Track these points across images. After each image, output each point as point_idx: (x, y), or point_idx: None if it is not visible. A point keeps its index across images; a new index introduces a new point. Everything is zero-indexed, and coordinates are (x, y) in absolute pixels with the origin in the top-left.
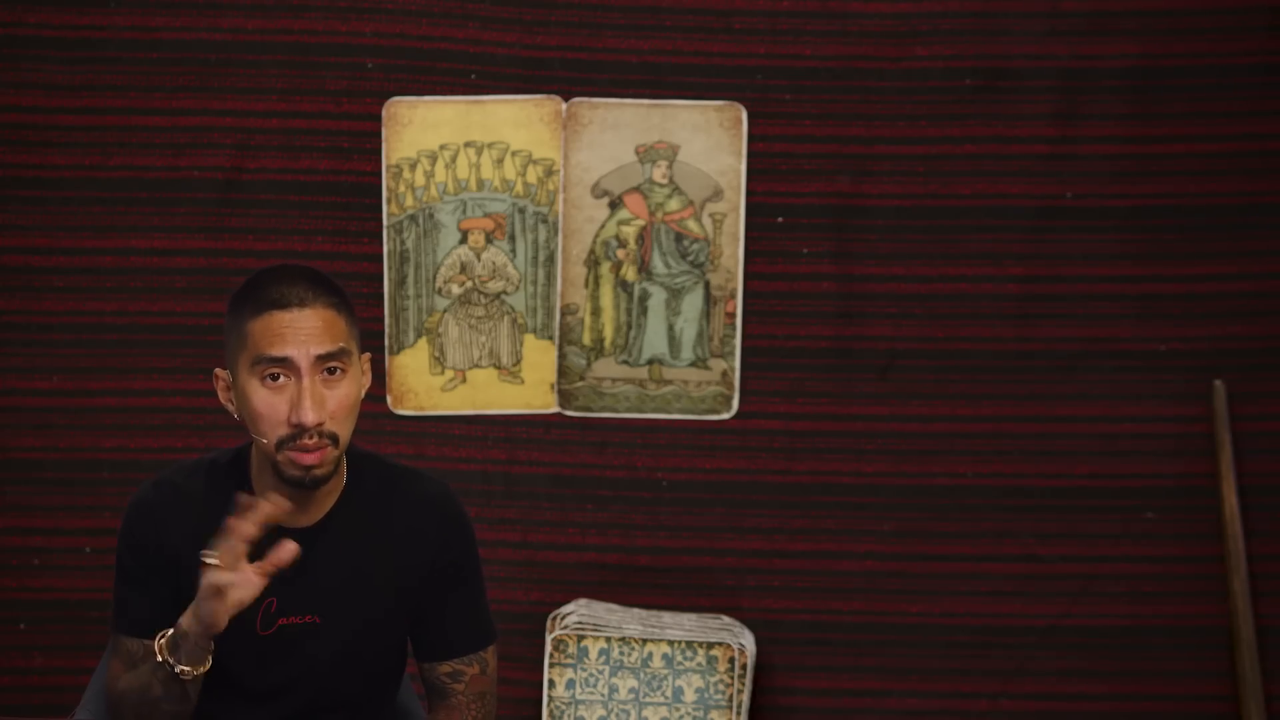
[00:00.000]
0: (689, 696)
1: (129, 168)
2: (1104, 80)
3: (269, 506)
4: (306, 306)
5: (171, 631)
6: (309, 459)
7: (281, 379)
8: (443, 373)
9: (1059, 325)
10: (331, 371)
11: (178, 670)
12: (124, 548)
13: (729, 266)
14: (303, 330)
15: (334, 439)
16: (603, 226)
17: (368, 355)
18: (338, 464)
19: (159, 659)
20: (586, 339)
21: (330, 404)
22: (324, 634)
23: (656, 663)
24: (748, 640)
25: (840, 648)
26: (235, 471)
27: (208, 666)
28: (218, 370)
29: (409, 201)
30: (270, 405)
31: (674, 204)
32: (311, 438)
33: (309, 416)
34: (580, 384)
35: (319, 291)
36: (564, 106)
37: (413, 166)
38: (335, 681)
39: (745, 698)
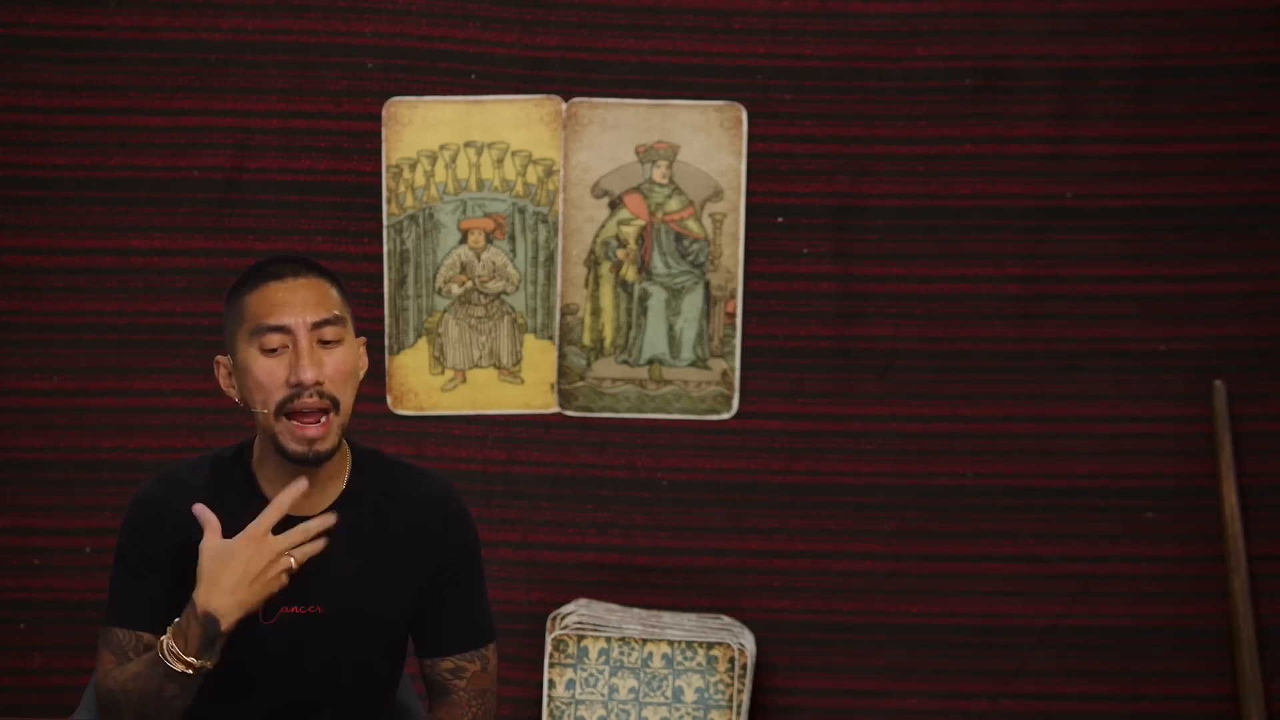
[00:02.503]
0: (689, 696)
1: (129, 168)
2: (1104, 80)
3: (295, 488)
4: (300, 276)
5: (179, 625)
6: (311, 430)
7: (279, 348)
8: (443, 373)
9: (1059, 325)
10: (327, 339)
11: (197, 666)
12: (125, 539)
13: (729, 266)
14: (298, 298)
15: (334, 403)
16: (603, 226)
17: (364, 340)
18: (339, 440)
19: (173, 665)
20: (586, 339)
21: (328, 367)
22: (326, 624)
23: (656, 663)
24: (748, 640)
25: (840, 648)
26: (238, 464)
27: (219, 660)
28: (218, 357)
29: (409, 201)
30: (269, 372)
31: (674, 204)
32: (311, 397)
33: (307, 374)
34: (580, 384)
35: (312, 267)
36: (564, 106)
37: (413, 166)
38: (335, 674)
39: (745, 698)
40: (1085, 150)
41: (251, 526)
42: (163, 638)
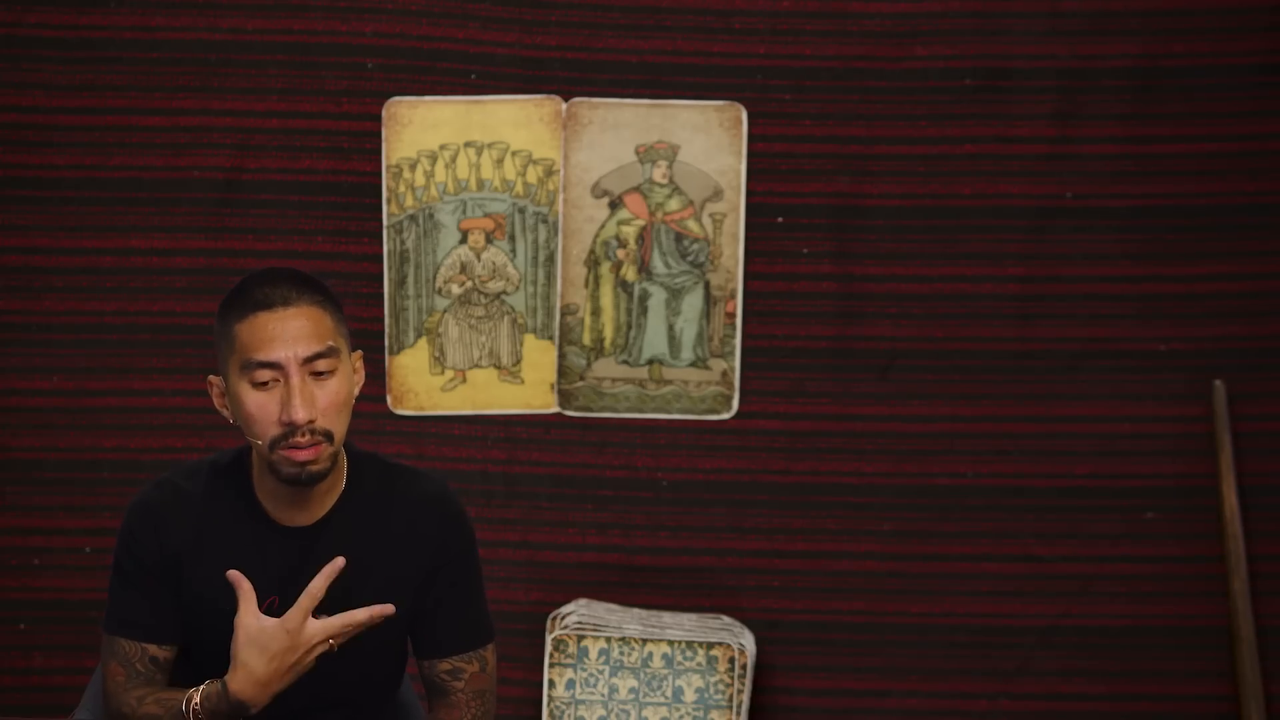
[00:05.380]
0: (689, 696)
1: (129, 168)
2: (1104, 80)
3: (332, 568)
4: (291, 305)
5: (208, 694)
6: (303, 455)
7: (271, 381)
8: (443, 373)
9: (1059, 325)
10: (320, 371)
11: None
12: (123, 550)
13: (729, 266)
14: (289, 332)
15: (327, 436)
16: (603, 226)
17: (360, 353)
18: (334, 461)
19: None
20: (586, 339)
21: (321, 401)
22: None
23: (656, 663)
24: (748, 640)
25: (840, 648)
26: (236, 473)
27: None
28: (211, 377)
29: (409, 201)
30: (261, 406)
31: (674, 204)
32: (304, 435)
33: (299, 415)
34: (580, 384)
35: (303, 290)
36: (564, 106)
37: (413, 166)
38: (335, 679)
39: (745, 698)
40: (1085, 150)
41: (288, 617)
42: (193, 695)
